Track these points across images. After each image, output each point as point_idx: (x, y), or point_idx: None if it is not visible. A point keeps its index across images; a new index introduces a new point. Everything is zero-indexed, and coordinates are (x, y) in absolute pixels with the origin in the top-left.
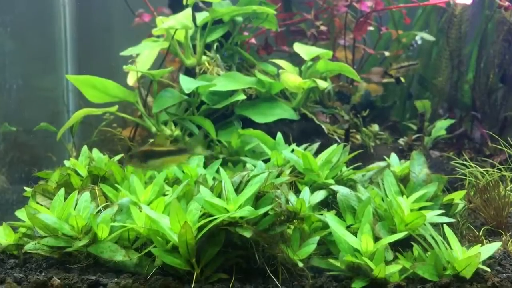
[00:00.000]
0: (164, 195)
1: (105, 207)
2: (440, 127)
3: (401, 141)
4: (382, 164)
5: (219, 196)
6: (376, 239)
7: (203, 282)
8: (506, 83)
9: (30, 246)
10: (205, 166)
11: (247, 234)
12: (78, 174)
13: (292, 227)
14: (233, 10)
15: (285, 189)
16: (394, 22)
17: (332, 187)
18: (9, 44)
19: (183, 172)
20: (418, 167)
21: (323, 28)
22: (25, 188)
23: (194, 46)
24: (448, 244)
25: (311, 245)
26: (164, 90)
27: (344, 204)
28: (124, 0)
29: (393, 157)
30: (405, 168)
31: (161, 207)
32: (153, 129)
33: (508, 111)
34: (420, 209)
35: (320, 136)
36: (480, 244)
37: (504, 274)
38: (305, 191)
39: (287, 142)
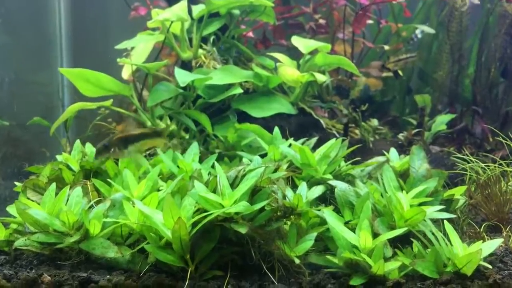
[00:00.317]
0: (158, 190)
1: (97, 203)
2: (441, 122)
3: (400, 136)
4: (381, 159)
5: (214, 191)
6: (375, 235)
7: (198, 279)
8: (508, 78)
9: (20, 242)
10: (201, 161)
11: (243, 230)
12: (70, 168)
13: (289, 223)
14: (230, 2)
15: (282, 184)
16: (394, 15)
17: (330, 182)
18: (2, 37)
19: (178, 167)
20: (418, 162)
21: (321, 21)
22: (16, 183)
23: (190, 40)
24: (449, 240)
25: (308, 242)
26: (159, 83)
27: (342, 199)
28: None
29: (393, 152)
30: (405, 163)
31: (155, 202)
32: (148, 123)
33: (510, 106)
34: (420, 204)
35: (318, 131)
36: (481, 241)
37: (506, 271)
38: (302, 186)
39: (285, 136)
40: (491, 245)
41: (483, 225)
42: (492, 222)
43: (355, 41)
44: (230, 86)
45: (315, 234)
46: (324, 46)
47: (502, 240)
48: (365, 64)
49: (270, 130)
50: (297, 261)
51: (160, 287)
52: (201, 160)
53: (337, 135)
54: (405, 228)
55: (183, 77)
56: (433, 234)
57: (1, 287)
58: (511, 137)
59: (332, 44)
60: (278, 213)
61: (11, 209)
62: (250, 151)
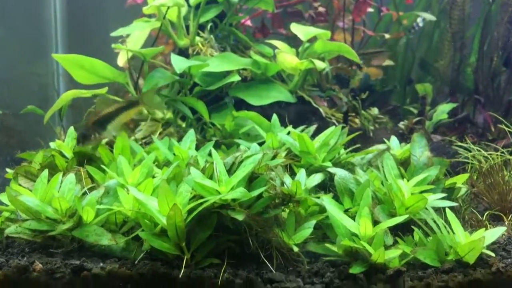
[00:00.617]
0: (153, 177)
1: (91, 190)
2: (442, 111)
3: (401, 124)
4: (381, 147)
5: (211, 178)
6: (375, 223)
7: (194, 267)
8: (510, 68)
9: (11, 229)
10: (198, 149)
11: (240, 217)
12: (63, 155)
13: (287, 210)
14: None
15: (280, 171)
16: (395, 3)
17: (329, 169)
18: None
19: (174, 154)
20: (419, 150)
21: (321, 9)
22: (7, 169)
23: (187, 27)
24: (451, 228)
25: (307, 229)
26: (155, 70)
27: (341, 186)
28: None
29: (393, 139)
30: (406, 151)
31: (150, 189)
32: (144, 112)
33: None
34: (421, 192)
35: (317, 120)
36: (484, 229)
37: (509, 259)
38: (301, 173)
39: (283, 125)
40: (494, 233)
41: (485, 214)
42: (494, 211)
43: (355, 29)
44: (227, 73)
45: (314, 222)
46: (323, 33)
47: (505, 228)
48: None
49: (269, 119)
50: (295, 249)
51: (155, 275)
52: (197, 148)
53: (337, 124)
54: (406, 216)
55: (179, 63)
56: (434, 222)
57: None
58: None
59: (331, 32)
60: (276, 200)
61: (3, 197)
62: (248, 139)
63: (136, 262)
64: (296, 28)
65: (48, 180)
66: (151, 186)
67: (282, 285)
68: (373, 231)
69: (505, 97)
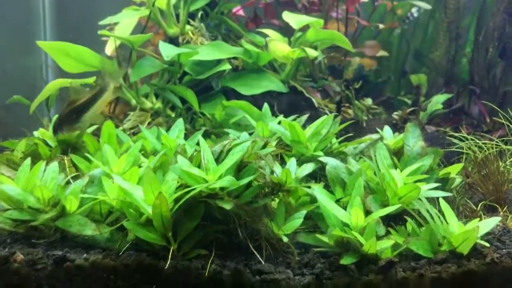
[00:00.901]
0: (140, 166)
1: (75, 179)
2: (436, 101)
3: (395, 115)
4: (374, 136)
5: (199, 166)
6: (367, 213)
7: (180, 258)
8: (506, 58)
9: None
10: (187, 139)
11: (227, 207)
12: (47, 144)
13: (277, 200)
14: None
15: (270, 160)
16: None
17: (320, 159)
18: None
19: (162, 144)
20: (413, 140)
21: None
22: None
23: (177, 16)
24: (444, 218)
25: (297, 220)
26: (144, 58)
27: (333, 176)
28: None
29: (387, 129)
30: (399, 141)
31: (135, 178)
32: (133, 102)
33: (508, 86)
34: (415, 182)
35: (310, 110)
36: (478, 219)
37: (504, 250)
38: (291, 161)
39: (275, 115)
40: (489, 223)
41: (480, 204)
42: (489, 201)
43: (348, 19)
44: (218, 62)
45: (304, 212)
46: (316, 21)
47: (499, 218)
48: (359, 44)
49: (260, 109)
50: (285, 239)
51: (140, 266)
52: (186, 138)
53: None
54: (399, 205)
55: (167, 50)
56: (428, 212)
57: None
58: (509, 118)
59: (325, 23)
60: (266, 190)
61: None
62: (238, 129)
63: (120, 253)
64: (288, 17)
65: (31, 169)
66: (136, 175)
67: (271, 276)
68: (365, 221)
69: (500, 88)
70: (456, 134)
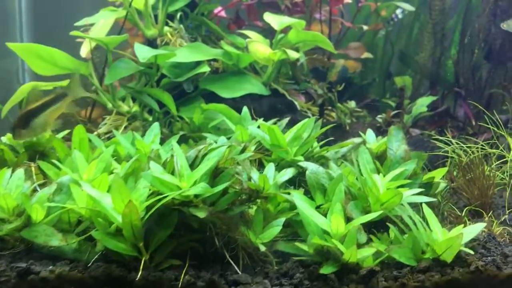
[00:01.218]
0: (112, 173)
1: (43, 186)
2: (421, 104)
3: (379, 118)
4: (357, 140)
5: (172, 173)
6: (348, 220)
7: (152, 269)
8: (491, 60)
9: None
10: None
11: (201, 215)
12: (14, 150)
13: (255, 207)
14: None
15: (247, 165)
16: None
17: (300, 163)
18: None
19: (136, 149)
20: (396, 144)
21: (297, 0)
22: None
23: (155, 16)
24: (428, 225)
25: (276, 227)
26: (119, 60)
27: (313, 181)
28: None
29: (369, 133)
30: (382, 145)
31: (105, 185)
32: (109, 105)
33: (494, 88)
34: (398, 188)
35: (292, 114)
36: (463, 225)
37: (488, 258)
38: (270, 167)
39: (255, 119)
40: (473, 229)
41: (465, 210)
42: (474, 206)
43: (332, 21)
44: (197, 64)
45: (283, 219)
46: (298, 22)
47: (484, 224)
48: (344, 45)
49: (241, 112)
50: (262, 248)
51: (109, 278)
52: (163, 143)
53: None
54: (381, 212)
55: (143, 52)
56: (410, 218)
57: None
58: (496, 119)
59: (309, 24)
60: (243, 197)
61: None
62: (218, 133)
63: (89, 264)
64: (270, 18)
65: None
66: (106, 182)
67: (247, 287)
68: (346, 228)
69: (486, 90)
70: (441, 138)
